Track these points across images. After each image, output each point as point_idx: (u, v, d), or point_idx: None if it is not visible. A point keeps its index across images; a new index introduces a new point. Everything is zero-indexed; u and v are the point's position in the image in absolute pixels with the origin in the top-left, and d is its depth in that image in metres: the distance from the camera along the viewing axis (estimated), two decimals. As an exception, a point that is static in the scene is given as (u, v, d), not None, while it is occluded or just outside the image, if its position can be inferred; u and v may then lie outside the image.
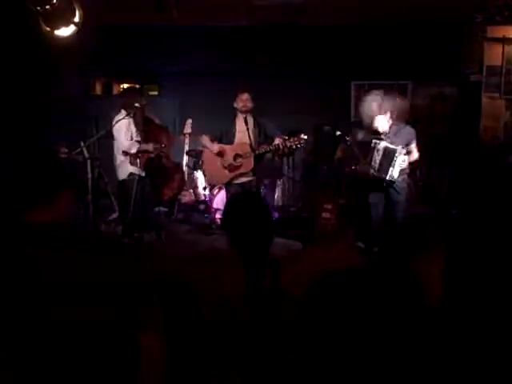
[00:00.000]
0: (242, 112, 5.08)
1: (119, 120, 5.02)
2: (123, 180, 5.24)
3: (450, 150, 6.93)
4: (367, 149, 4.99)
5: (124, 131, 5.05)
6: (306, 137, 5.05)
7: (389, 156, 4.80)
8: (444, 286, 1.66)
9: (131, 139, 5.10)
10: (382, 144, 4.85)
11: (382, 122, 4.92)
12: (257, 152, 5.03)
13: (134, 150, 5.05)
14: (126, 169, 5.15)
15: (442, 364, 1.45)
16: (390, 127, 4.96)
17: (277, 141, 5.03)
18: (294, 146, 5.09)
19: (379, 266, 1.75)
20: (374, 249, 5.18)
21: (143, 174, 5.17)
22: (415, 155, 4.97)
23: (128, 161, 5.07)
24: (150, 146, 5.16)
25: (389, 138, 4.91)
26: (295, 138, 5.01)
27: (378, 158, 4.87)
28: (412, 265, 1.66)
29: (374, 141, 4.92)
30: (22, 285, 1.40)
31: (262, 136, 5.18)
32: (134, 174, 5.11)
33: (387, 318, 1.48)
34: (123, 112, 5.08)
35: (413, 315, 1.47)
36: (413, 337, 1.45)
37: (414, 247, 1.72)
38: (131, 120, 5.11)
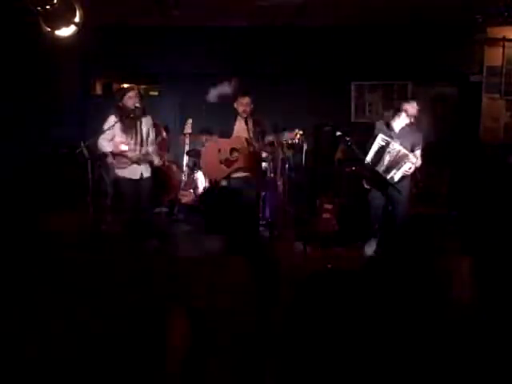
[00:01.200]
0: (242, 115, 5.09)
1: (110, 119, 4.93)
2: (115, 180, 5.20)
3: (451, 150, 6.94)
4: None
5: (105, 129, 4.89)
6: (301, 132, 5.05)
7: (399, 159, 4.82)
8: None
9: (110, 139, 4.89)
10: (396, 146, 4.84)
11: (399, 122, 4.99)
12: (253, 147, 5.00)
13: (108, 149, 4.89)
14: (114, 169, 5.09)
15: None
16: (401, 128, 5.01)
17: (270, 138, 5.07)
18: (291, 142, 5.10)
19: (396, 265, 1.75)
20: (375, 249, 5.18)
21: (137, 177, 5.00)
22: (418, 162, 4.97)
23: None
24: (133, 155, 4.92)
25: (398, 138, 4.93)
26: (290, 134, 5.03)
27: (387, 157, 4.87)
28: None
29: (384, 138, 4.91)
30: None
31: (261, 138, 5.17)
32: (124, 176, 5.00)
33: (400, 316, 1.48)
34: (114, 111, 4.96)
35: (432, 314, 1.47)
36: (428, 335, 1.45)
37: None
38: (120, 120, 4.92)
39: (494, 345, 1.60)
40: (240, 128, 5.12)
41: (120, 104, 4.90)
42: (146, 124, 5.04)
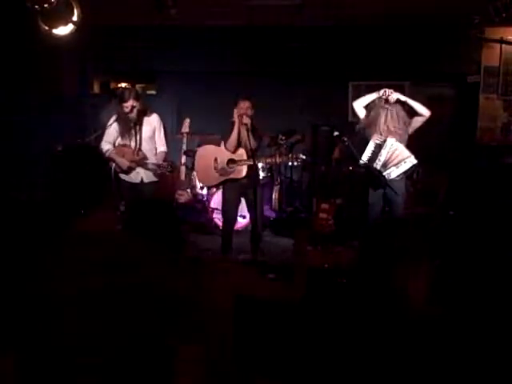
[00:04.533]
0: (242, 120, 4.92)
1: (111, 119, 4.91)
2: (118, 182, 5.15)
3: (448, 150, 6.95)
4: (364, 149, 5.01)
5: (106, 132, 4.89)
6: (304, 157, 5.02)
7: (398, 157, 4.82)
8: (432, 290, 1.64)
9: (112, 141, 4.85)
10: (393, 142, 4.83)
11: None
12: (253, 161, 4.89)
13: (105, 148, 4.83)
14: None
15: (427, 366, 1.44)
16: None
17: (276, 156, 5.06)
18: (291, 163, 5.06)
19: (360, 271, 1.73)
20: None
21: (137, 181, 4.91)
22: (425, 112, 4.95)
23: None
24: (124, 162, 4.80)
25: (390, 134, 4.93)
26: (294, 155, 4.99)
27: (384, 153, 4.85)
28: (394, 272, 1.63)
29: (379, 137, 4.90)
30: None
31: (258, 139, 5.07)
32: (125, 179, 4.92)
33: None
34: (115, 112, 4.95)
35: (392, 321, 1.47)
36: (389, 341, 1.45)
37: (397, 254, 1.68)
38: (116, 122, 4.85)
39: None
40: (240, 133, 4.99)
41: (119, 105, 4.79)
42: (148, 124, 4.90)
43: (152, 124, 4.93)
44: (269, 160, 5.12)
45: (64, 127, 6.59)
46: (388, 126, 4.87)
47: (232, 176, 4.98)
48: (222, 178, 5.05)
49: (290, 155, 5.08)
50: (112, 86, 8.16)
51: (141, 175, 4.89)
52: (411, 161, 4.82)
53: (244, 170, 4.92)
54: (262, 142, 5.16)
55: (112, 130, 4.88)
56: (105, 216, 1.62)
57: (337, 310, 1.57)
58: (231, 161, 4.96)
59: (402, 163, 4.83)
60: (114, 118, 4.88)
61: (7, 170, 5.92)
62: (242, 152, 4.91)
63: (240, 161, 4.91)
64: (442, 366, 1.44)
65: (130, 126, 4.81)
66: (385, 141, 4.87)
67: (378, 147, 4.91)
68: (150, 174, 4.93)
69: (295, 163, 5.12)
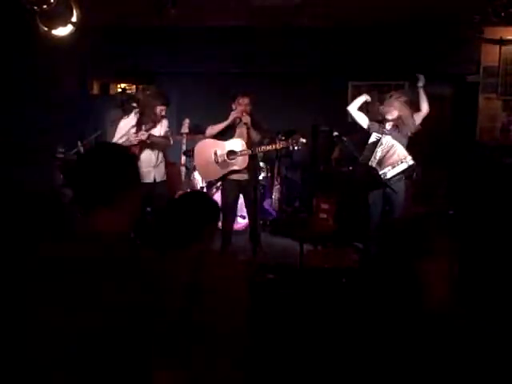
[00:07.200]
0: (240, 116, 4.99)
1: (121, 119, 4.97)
2: None
3: (447, 150, 6.95)
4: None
5: (117, 130, 4.94)
6: (304, 140, 5.05)
7: (393, 155, 4.81)
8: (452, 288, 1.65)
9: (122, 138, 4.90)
10: (389, 140, 4.82)
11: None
12: (253, 151, 4.96)
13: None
14: None
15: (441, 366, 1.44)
16: (392, 124, 5.01)
17: (276, 143, 5.06)
18: (291, 148, 5.09)
19: (377, 267, 1.74)
20: (373, 249, 5.18)
21: (150, 180, 4.97)
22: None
23: None
24: (144, 135, 4.88)
25: (391, 133, 4.92)
26: (294, 140, 5.01)
27: (379, 150, 4.85)
28: (415, 266, 1.65)
29: (376, 135, 4.91)
30: None
31: (259, 136, 5.11)
32: None
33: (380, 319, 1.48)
34: (121, 111, 5.02)
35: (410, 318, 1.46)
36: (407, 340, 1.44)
37: (417, 249, 1.70)
38: (126, 119, 4.96)
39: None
40: (239, 128, 5.05)
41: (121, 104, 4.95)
42: (157, 131, 5.02)
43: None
44: (269, 147, 5.14)
45: (64, 128, 6.60)
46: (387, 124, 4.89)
47: (234, 168, 5.05)
48: (225, 171, 5.11)
49: (290, 140, 5.09)
50: (115, 87, 8.15)
51: (153, 174, 4.98)
52: (408, 161, 4.80)
53: (246, 161, 4.99)
54: (263, 138, 5.22)
55: (124, 127, 4.95)
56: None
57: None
58: (231, 152, 5.02)
59: (399, 163, 4.81)
60: (124, 117, 4.95)
61: (7, 169, 5.91)
62: (241, 143, 4.98)
63: (240, 151, 4.97)
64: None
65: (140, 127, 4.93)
66: (380, 138, 4.88)
67: (373, 145, 4.91)
68: (162, 173, 5.05)
69: (296, 148, 5.12)
